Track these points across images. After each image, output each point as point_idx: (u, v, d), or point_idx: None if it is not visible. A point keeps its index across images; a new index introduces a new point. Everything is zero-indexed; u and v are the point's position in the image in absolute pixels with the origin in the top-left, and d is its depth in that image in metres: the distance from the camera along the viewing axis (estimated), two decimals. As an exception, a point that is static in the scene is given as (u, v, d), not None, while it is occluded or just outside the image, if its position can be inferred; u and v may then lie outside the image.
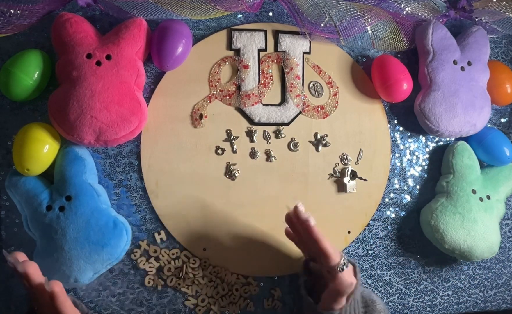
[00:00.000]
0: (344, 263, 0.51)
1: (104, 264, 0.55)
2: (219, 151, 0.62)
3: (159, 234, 0.61)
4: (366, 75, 0.67)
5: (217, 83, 0.62)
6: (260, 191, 0.63)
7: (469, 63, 0.65)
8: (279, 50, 0.64)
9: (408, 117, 0.68)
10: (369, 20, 0.61)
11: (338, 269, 0.50)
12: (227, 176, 0.62)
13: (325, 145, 0.65)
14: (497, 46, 0.72)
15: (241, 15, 0.64)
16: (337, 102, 0.65)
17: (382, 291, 0.68)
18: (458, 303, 0.71)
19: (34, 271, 0.44)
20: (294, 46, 0.64)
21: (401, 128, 0.68)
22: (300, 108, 0.64)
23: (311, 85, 0.65)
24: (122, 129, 0.54)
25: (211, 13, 0.57)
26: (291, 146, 0.64)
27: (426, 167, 0.69)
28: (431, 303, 0.70)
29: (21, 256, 0.46)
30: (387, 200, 0.68)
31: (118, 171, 0.60)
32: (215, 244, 0.62)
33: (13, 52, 0.55)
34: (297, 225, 0.55)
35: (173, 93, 0.61)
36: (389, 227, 0.68)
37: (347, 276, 0.51)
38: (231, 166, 0.62)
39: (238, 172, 0.62)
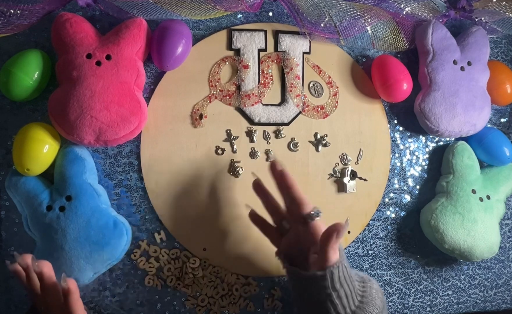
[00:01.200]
0: (319, 211, 0.50)
1: (104, 264, 0.55)
2: (219, 151, 0.62)
3: (159, 234, 0.61)
4: (366, 75, 0.67)
5: (217, 83, 0.62)
6: (260, 191, 0.63)
7: (469, 63, 0.65)
8: (279, 50, 0.64)
9: (408, 117, 0.68)
10: (369, 20, 0.61)
11: (314, 215, 0.50)
12: (231, 173, 0.62)
13: (325, 145, 0.65)
14: (497, 46, 0.72)
15: (241, 15, 0.64)
16: (337, 102, 0.65)
17: (382, 291, 0.68)
18: (458, 303, 0.71)
19: (49, 270, 0.45)
20: (294, 46, 0.64)
21: (401, 128, 0.68)
22: (300, 108, 0.64)
23: (311, 85, 0.65)
24: (122, 129, 0.54)
25: (211, 13, 0.57)
26: (291, 146, 0.64)
27: (426, 167, 0.69)
28: (431, 303, 0.70)
29: (29, 257, 0.47)
30: (387, 200, 0.68)
31: (118, 171, 0.60)
32: (215, 244, 0.62)
33: (13, 52, 0.55)
34: (263, 188, 0.56)
35: (173, 93, 0.61)
36: (389, 227, 0.68)
37: (321, 224, 0.50)
38: (235, 163, 0.62)
39: (242, 169, 0.62)
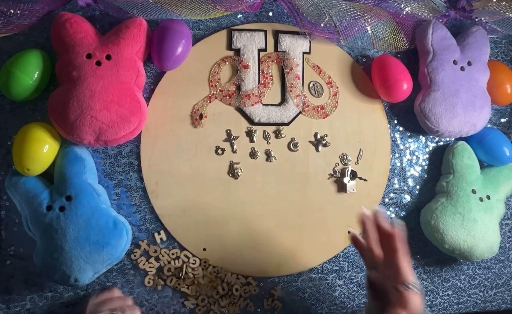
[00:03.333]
0: (415, 283, 0.47)
1: (104, 264, 0.55)
2: (219, 151, 0.62)
3: (159, 234, 0.61)
4: (366, 75, 0.67)
5: (217, 83, 0.62)
6: (260, 191, 0.63)
7: (469, 63, 0.65)
8: (279, 50, 0.64)
9: (408, 117, 0.68)
10: (369, 20, 0.61)
11: (410, 286, 0.46)
12: (230, 175, 0.62)
13: (325, 145, 0.65)
14: (497, 46, 0.72)
15: (241, 15, 0.64)
16: (337, 102, 0.65)
17: None
18: (458, 303, 0.71)
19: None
20: (294, 46, 0.64)
21: (401, 128, 0.68)
22: (300, 108, 0.64)
23: (311, 85, 0.65)
24: (122, 129, 0.54)
25: (211, 13, 0.57)
26: (291, 146, 0.64)
27: (426, 167, 0.69)
28: (431, 303, 0.70)
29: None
30: (387, 200, 0.68)
31: (118, 171, 0.60)
32: (215, 244, 0.62)
33: (13, 52, 0.55)
34: (360, 241, 0.53)
35: (173, 93, 0.61)
36: (389, 227, 0.68)
37: (416, 298, 0.46)
38: (235, 165, 0.62)
39: (241, 171, 0.62)
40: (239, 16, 0.64)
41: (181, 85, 0.61)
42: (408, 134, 0.69)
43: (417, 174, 0.69)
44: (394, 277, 0.47)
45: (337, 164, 0.65)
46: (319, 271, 0.66)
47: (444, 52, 0.64)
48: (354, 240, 0.55)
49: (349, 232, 0.55)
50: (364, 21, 0.60)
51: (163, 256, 0.61)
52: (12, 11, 0.50)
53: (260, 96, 0.63)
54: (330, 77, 0.65)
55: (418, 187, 0.69)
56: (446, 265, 0.70)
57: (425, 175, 0.69)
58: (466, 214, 0.63)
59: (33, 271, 0.58)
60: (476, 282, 0.72)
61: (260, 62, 0.63)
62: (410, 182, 0.69)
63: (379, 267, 0.50)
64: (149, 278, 0.61)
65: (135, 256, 0.60)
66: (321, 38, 0.63)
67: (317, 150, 0.65)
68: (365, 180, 0.66)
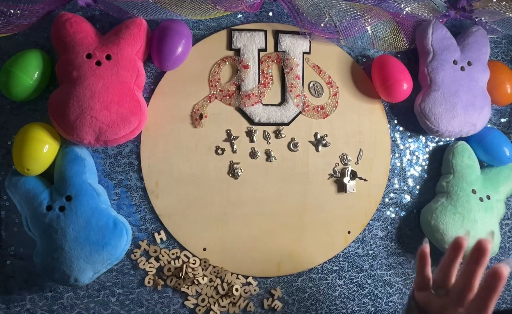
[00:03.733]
0: None
1: (104, 264, 0.55)
2: (219, 151, 0.62)
3: (159, 234, 0.61)
4: (366, 75, 0.67)
5: (217, 83, 0.62)
6: (260, 191, 0.63)
7: (469, 63, 0.65)
8: (279, 50, 0.64)
9: (408, 117, 0.68)
10: (369, 20, 0.61)
11: None
12: (230, 175, 0.62)
13: (325, 145, 0.65)
14: (497, 46, 0.72)
15: (241, 15, 0.64)
16: (337, 102, 0.65)
17: (382, 291, 0.68)
18: (458, 303, 0.71)
19: None
20: (294, 46, 0.64)
21: (401, 128, 0.68)
22: (300, 108, 0.64)
23: (311, 85, 0.65)
24: (122, 129, 0.54)
25: (211, 13, 0.57)
26: (291, 146, 0.64)
27: (426, 167, 0.69)
28: (431, 303, 0.70)
29: None
30: (387, 200, 0.68)
31: (118, 171, 0.60)
32: (215, 244, 0.62)
33: (13, 52, 0.55)
34: (427, 258, 0.47)
35: (173, 93, 0.61)
36: (389, 227, 0.68)
37: None
38: (235, 165, 0.62)
39: (241, 171, 0.62)
40: (239, 16, 0.64)
41: (181, 85, 0.61)
42: (408, 134, 0.69)
43: (417, 174, 0.69)
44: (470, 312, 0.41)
45: (337, 164, 0.65)
46: (319, 271, 0.66)
47: (444, 52, 0.64)
48: (424, 255, 0.47)
49: (421, 244, 0.48)
50: (364, 21, 0.60)
51: (163, 256, 0.61)
52: (12, 11, 0.50)
53: (260, 96, 0.63)
54: (330, 77, 0.65)
55: (418, 187, 0.69)
56: (446, 265, 0.70)
57: (425, 175, 0.69)
58: (466, 214, 0.63)
59: (33, 271, 0.58)
60: (476, 282, 0.72)
61: (260, 62, 0.63)
62: (410, 182, 0.69)
63: (440, 293, 0.45)
64: (149, 278, 0.61)
65: (135, 256, 0.60)
66: (321, 38, 0.63)
67: (317, 150, 0.65)
68: (365, 180, 0.66)
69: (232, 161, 0.62)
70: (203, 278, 0.61)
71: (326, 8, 0.59)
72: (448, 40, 0.65)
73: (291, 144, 0.64)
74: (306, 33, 0.63)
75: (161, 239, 0.61)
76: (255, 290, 0.63)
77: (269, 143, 0.64)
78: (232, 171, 0.62)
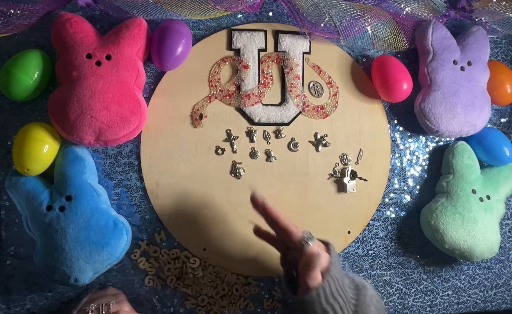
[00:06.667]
0: (308, 236, 0.50)
1: (104, 264, 0.55)
2: (219, 151, 0.62)
3: (159, 234, 0.61)
4: (366, 75, 0.67)
5: (217, 83, 0.62)
6: (260, 191, 0.63)
7: (469, 63, 0.65)
8: (279, 50, 0.64)
9: (408, 117, 0.68)
10: (369, 20, 0.61)
11: (303, 242, 0.50)
12: (232, 175, 0.62)
13: (325, 145, 0.65)
14: (497, 46, 0.72)
15: (241, 15, 0.64)
16: (337, 102, 0.65)
17: (382, 291, 0.68)
18: (458, 303, 0.71)
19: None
20: (294, 46, 0.64)
21: (401, 128, 0.68)
22: (300, 108, 0.64)
23: (311, 85, 0.65)
24: (122, 129, 0.54)
25: (211, 13, 0.57)
26: (291, 146, 0.64)
27: (426, 167, 0.69)
28: (431, 303, 0.70)
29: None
30: (387, 200, 0.68)
31: (118, 171, 0.60)
32: (215, 244, 0.62)
33: (13, 52, 0.55)
34: (264, 232, 0.56)
35: (173, 93, 0.61)
36: (389, 227, 0.68)
37: (314, 248, 0.50)
38: (237, 165, 0.62)
39: (244, 171, 0.62)
40: (239, 16, 0.64)
41: (181, 85, 0.61)
42: (408, 134, 0.69)
43: (417, 174, 0.69)
44: (290, 241, 0.51)
45: (337, 164, 0.66)
46: (319, 271, 0.66)
47: (444, 52, 0.64)
48: (258, 232, 0.57)
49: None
50: (364, 21, 0.60)
51: (163, 256, 0.61)
52: (12, 11, 0.50)
53: (260, 96, 0.63)
54: (330, 77, 0.65)
55: (418, 187, 0.69)
56: (446, 265, 0.70)
57: (425, 175, 0.69)
58: (466, 214, 0.63)
59: (33, 271, 0.58)
60: (476, 282, 0.72)
61: (260, 62, 0.63)
62: (410, 182, 0.69)
63: (281, 244, 0.55)
64: (149, 278, 0.61)
65: (135, 256, 0.60)
66: (321, 38, 0.63)
67: (317, 150, 0.65)
68: (365, 180, 0.66)
69: (235, 161, 0.62)
70: (203, 278, 0.62)
71: (326, 8, 0.59)
72: (448, 40, 0.65)
73: (291, 144, 0.64)
74: (306, 33, 0.63)
75: (161, 239, 0.61)
76: (255, 290, 0.63)
77: (269, 143, 0.64)
78: (235, 171, 0.62)
